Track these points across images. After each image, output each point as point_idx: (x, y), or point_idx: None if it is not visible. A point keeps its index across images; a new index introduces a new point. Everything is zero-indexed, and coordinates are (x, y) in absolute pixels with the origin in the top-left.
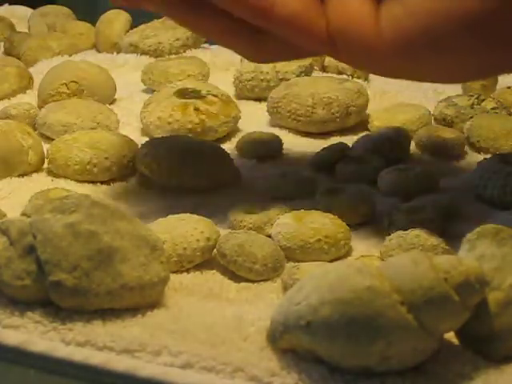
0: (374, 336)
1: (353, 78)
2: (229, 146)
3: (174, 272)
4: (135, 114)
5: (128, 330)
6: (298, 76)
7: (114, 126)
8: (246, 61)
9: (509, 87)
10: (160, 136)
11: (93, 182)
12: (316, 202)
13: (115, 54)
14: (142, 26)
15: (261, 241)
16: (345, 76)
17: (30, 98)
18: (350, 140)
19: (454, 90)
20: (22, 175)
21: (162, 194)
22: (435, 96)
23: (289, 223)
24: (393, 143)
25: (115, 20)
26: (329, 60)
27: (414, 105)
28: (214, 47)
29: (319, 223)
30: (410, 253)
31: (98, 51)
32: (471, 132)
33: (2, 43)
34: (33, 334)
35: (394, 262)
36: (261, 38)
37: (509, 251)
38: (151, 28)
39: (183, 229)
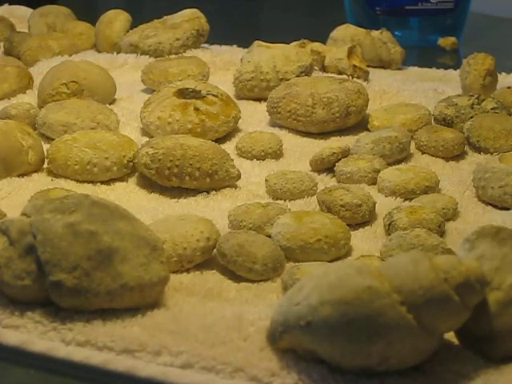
0: (374, 336)
1: (353, 78)
2: (229, 146)
3: (174, 272)
4: (135, 114)
5: (128, 330)
6: (298, 76)
7: (114, 126)
8: (245, 60)
9: (509, 87)
10: (160, 136)
11: (93, 182)
12: (316, 202)
13: (115, 53)
14: (142, 26)
15: (261, 241)
16: (345, 76)
17: (30, 98)
18: (349, 140)
19: (453, 89)
20: (22, 175)
21: (161, 193)
22: (435, 96)
23: (289, 223)
24: (393, 143)
25: (115, 20)
26: (329, 60)
27: (414, 105)
28: (214, 47)
29: (319, 223)
30: (409, 253)
31: (98, 51)
32: (471, 132)
33: (2, 43)
34: (33, 333)
35: (394, 261)
36: None
37: (509, 251)
38: (151, 28)
39: (183, 229)
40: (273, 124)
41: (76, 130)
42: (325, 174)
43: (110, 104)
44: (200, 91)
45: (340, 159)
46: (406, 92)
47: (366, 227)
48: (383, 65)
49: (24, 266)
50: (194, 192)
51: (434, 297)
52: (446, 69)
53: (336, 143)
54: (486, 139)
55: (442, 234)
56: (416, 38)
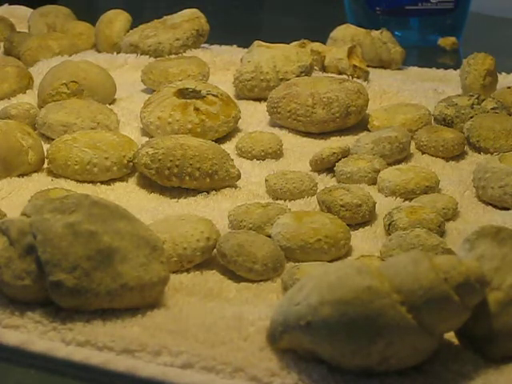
0: (374, 336)
1: (353, 78)
2: (229, 146)
3: (174, 272)
4: (135, 114)
5: (128, 330)
6: (298, 76)
7: (114, 126)
8: (245, 60)
9: (509, 87)
10: (160, 136)
11: (93, 182)
12: (316, 202)
13: (115, 54)
14: (142, 26)
15: (261, 241)
16: (345, 76)
17: (30, 98)
18: (350, 140)
19: (453, 90)
20: (22, 175)
21: (161, 193)
22: (435, 96)
23: (289, 223)
24: (393, 143)
25: (115, 20)
26: (329, 60)
27: (414, 105)
28: (214, 47)
29: (319, 223)
30: (409, 253)
31: (98, 51)
32: (471, 132)
33: (2, 43)
34: (33, 333)
35: (394, 261)
36: None
37: (509, 251)
38: (151, 28)
39: (183, 229)
40: (273, 124)
41: (76, 130)
42: (325, 174)
43: (110, 104)
44: (200, 91)
45: (340, 159)
46: (406, 92)
47: (366, 227)
48: (383, 65)
49: (24, 266)
50: (194, 192)
51: (434, 297)
52: (445, 69)
53: (336, 143)
54: (486, 139)
55: (442, 234)
56: (416, 38)
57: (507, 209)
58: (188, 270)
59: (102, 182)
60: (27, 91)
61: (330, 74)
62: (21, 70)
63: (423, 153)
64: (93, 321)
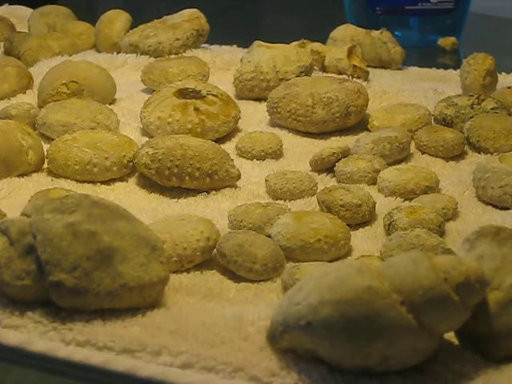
0: (373, 336)
1: (353, 78)
2: (229, 146)
3: (174, 272)
4: (135, 114)
5: (128, 330)
6: (297, 76)
7: (114, 126)
8: (245, 60)
9: (509, 87)
10: (160, 136)
11: (93, 182)
12: (316, 202)
13: (115, 53)
14: (142, 26)
15: (261, 241)
16: (345, 76)
17: (30, 98)
18: (350, 140)
19: (453, 90)
20: (22, 175)
21: (161, 193)
22: (435, 96)
23: (289, 223)
24: (393, 143)
25: (115, 20)
26: (329, 60)
27: (414, 105)
28: (214, 47)
29: (319, 223)
30: (409, 253)
31: (98, 51)
32: (471, 132)
33: (2, 43)
34: (33, 333)
35: (394, 261)
36: None
37: (509, 251)
38: (151, 28)
39: (183, 229)
40: (273, 124)
41: (76, 130)
42: (325, 174)
43: (110, 104)
44: (200, 91)
45: (340, 159)
46: (406, 92)
47: (366, 227)
48: (383, 65)
49: (24, 266)
50: (194, 192)
51: (434, 297)
52: (445, 69)
53: (336, 143)
54: (486, 139)
55: (442, 234)
56: (416, 38)
57: (507, 209)
58: (188, 270)
59: (102, 182)
60: (27, 91)
61: (329, 74)
62: (21, 70)
63: (423, 153)
64: (93, 321)
